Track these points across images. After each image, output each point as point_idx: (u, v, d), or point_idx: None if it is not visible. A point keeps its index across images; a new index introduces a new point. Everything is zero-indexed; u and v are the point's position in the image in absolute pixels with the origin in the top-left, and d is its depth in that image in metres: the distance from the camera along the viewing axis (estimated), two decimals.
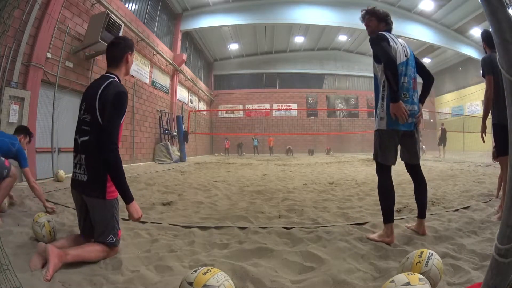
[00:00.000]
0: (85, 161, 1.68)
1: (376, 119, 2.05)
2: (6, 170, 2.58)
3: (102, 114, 1.63)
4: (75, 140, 1.75)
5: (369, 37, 2.12)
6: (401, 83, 1.99)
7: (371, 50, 2.07)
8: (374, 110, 2.14)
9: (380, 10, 2.17)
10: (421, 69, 2.21)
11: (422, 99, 2.23)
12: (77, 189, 1.74)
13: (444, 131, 12.54)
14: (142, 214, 1.75)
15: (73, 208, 2.92)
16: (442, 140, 12.29)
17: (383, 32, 2.08)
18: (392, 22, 2.19)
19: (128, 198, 1.66)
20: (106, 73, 1.81)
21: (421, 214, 2.11)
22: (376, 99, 2.08)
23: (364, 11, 2.21)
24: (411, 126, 2.04)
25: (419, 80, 2.11)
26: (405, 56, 2.07)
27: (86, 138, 1.68)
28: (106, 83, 1.69)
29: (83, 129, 1.69)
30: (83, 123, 1.69)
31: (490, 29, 0.88)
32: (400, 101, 1.94)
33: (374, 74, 2.12)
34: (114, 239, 1.71)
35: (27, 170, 2.81)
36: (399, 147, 2.11)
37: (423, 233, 2.06)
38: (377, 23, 2.16)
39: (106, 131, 1.60)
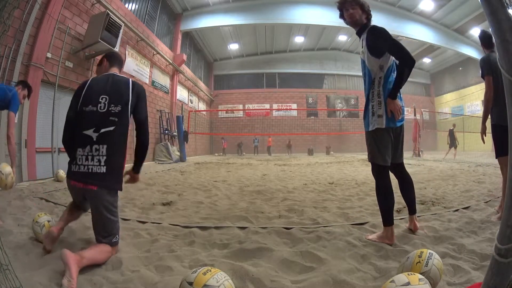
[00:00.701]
0: (107, 152, 1.68)
1: (373, 118, 1.94)
2: None
3: (135, 107, 1.82)
4: (83, 135, 1.70)
5: (372, 28, 1.94)
6: (393, 79, 1.93)
7: (367, 44, 1.94)
8: (364, 109, 2.03)
9: (363, 0, 2.02)
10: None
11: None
12: (84, 181, 1.67)
13: (450, 132, 12.21)
14: None
15: None
16: (451, 141, 12.01)
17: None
18: (371, 16, 2.05)
19: (139, 169, 1.94)
20: (114, 73, 1.91)
21: (411, 211, 2.11)
22: (369, 96, 1.97)
23: None
24: (402, 121, 2.02)
25: None
26: None
27: (112, 128, 1.71)
28: (130, 80, 1.87)
29: (110, 120, 1.72)
30: (109, 114, 1.73)
31: (489, 29, 0.88)
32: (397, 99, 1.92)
33: (367, 68, 1.98)
34: (118, 238, 1.74)
35: (13, 116, 2.69)
36: None
37: (415, 229, 2.07)
38: (361, 13, 2.00)
39: (146, 120, 1.85)
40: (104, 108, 1.74)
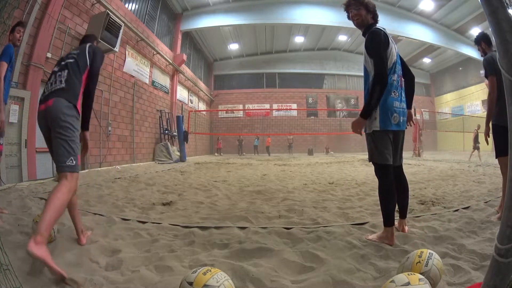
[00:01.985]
0: (67, 75, 1.88)
1: (369, 120, 1.93)
2: None
3: (93, 60, 2.02)
4: (51, 72, 1.96)
5: (371, 31, 1.93)
6: (392, 80, 1.91)
7: (365, 44, 1.96)
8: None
9: (368, 0, 2.02)
10: (403, 66, 2.10)
11: (409, 103, 2.11)
12: (46, 99, 1.80)
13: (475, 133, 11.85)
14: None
15: None
16: (475, 143, 11.65)
17: (381, 28, 1.96)
18: (378, 15, 2.06)
19: (88, 126, 1.99)
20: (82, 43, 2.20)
21: (403, 215, 2.11)
22: (366, 96, 1.96)
23: None
24: (403, 126, 1.99)
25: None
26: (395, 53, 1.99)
27: (72, 60, 1.95)
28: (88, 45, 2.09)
29: (70, 56, 1.99)
30: (70, 54, 2.02)
31: (490, 29, 0.88)
32: (366, 120, 1.90)
33: (364, 67, 1.99)
34: (74, 162, 1.72)
35: (3, 64, 2.68)
36: None
37: (402, 231, 2.07)
38: (366, 14, 2.00)
39: (97, 73, 2.06)
40: (66, 53, 2.10)
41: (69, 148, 1.72)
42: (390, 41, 1.95)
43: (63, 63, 1.96)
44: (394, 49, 1.97)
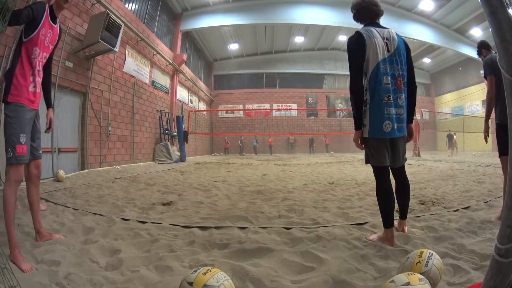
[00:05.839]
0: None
1: (363, 126, 1.91)
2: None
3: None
4: None
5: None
6: (383, 84, 1.81)
7: None
8: None
9: (353, 10, 2.03)
10: (409, 72, 1.95)
11: (409, 117, 1.97)
12: None
13: None
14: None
15: (73, 208, 2.93)
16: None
17: (359, 30, 1.90)
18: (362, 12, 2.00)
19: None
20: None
21: (403, 216, 2.09)
22: None
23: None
24: (399, 132, 1.88)
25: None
26: (388, 51, 1.85)
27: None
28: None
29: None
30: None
31: (490, 29, 0.88)
32: (360, 131, 1.89)
33: None
34: (11, 154, 1.68)
35: None
36: None
37: (402, 231, 2.06)
38: (356, 21, 2.06)
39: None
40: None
41: (8, 139, 1.72)
42: (366, 39, 1.84)
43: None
44: (381, 48, 1.84)
